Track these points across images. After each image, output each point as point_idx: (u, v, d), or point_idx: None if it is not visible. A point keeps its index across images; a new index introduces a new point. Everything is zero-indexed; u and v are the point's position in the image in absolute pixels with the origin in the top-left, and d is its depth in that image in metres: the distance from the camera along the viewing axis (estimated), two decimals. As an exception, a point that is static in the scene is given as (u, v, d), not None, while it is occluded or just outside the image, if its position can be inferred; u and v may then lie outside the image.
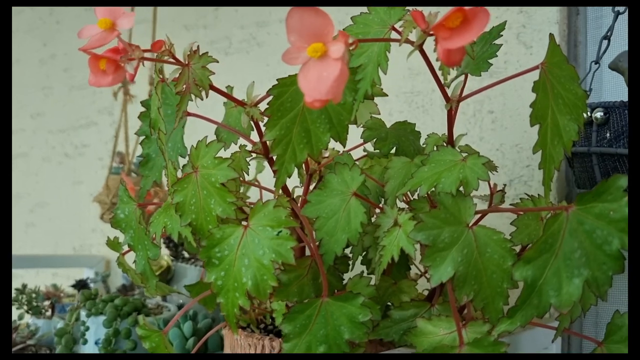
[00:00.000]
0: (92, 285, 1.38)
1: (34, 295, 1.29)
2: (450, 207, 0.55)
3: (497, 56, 0.66)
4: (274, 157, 0.57)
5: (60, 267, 1.74)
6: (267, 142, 0.60)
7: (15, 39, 2.03)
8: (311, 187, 0.71)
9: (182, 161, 0.68)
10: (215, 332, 0.91)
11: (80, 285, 1.36)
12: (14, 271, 1.80)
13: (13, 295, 1.25)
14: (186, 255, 1.12)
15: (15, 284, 1.29)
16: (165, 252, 1.14)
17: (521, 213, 0.61)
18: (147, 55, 0.55)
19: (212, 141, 0.59)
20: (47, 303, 1.31)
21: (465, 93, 0.63)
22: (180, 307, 1.07)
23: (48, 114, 1.91)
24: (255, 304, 0.77)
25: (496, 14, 1.02)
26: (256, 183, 0.87)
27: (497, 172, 0.74)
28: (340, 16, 1.21)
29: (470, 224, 0.55)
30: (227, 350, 0.73)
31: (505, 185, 0.71)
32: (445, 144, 0.63)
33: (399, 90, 1.12)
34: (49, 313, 1.29)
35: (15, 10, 2.02)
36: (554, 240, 0.50)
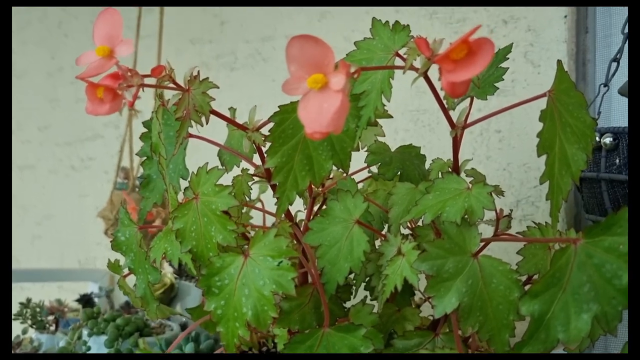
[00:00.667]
0: (96, 300, 1.37)
1: (38, 309, 1.28)
2: (455, 236, 0.54)
3: (503, 79, 0.65)
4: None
5: (65, 281, 1.73)
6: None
7: (23, 51, 2.04)
8: (315, 208, 0.70)
9: (184, 182, 0.67)
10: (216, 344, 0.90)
11: (85, 300, 1.36)
12: (20, 284, 1.80)
13: (17, 309, 1.25)
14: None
15: (21, 297, 1.28)
16: (168, 270, 1.14)
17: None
18: (147, 80, 0.55)
19: (213, 168, 0.58)
20: (51, 318, 1.31)
21: (471, 111, 0.62)
22: (183, 326, 1.06)
23: (55, 126, 1.91)
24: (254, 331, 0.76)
25: (504, 32, 1.01)
26: (259, 204, 0.86)
27: (503, 195, 0.72)
28: (347, 32, 1.20)
29: (475, 254, 0.54)
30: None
31: (511, 210, 0.69)
32: (450, 170, 0.62)
33: (405, 108, 1.11)
34: (52, 328, 1.28)
35: (24, 22, 2.03)
36: (562, 274, 0.48)
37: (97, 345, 0.95)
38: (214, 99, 0.56)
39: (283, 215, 0.65)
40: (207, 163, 0.59)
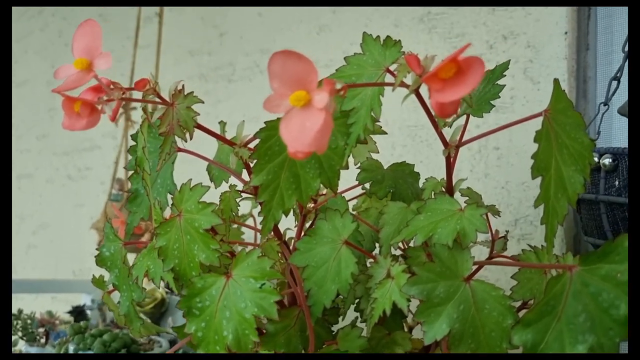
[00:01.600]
0: (88, 312, 1.35)
1: (29, 321, 1.26)
2: (446, 260, 0.52)
3: (499, 97, 0.63)
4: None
5: (58, 292, 1.71)
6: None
7: (24, 60, 2.03)
8: (307, 226, 0.68)
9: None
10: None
11: (77, 312, 1.33)
12: (13, 295, 1.78)
13: (7, 321, 1.23)
14: (181, 287, 1.09)
15: (13, 307, 1.26)
16: (161, 285, 1.11)
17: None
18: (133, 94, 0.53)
19: (197, 185, 0.56)
20: (41, 330, 1.29)
21: (469, 128, 0.60)
22: (172, 342, 1.04)
23: (53, 136, 1.90)
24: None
25: (503, 48, 0.99)
26: (251, 217, 0.84)
27: (500, 216, 0.70)
28: (345, 46, 1.18)
29: (467, 277, 0.52)
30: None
31: (507, 231, 0.67)
32: (443, 190, 0.60)
33: (403, 123, 1.09)
34: (42, 340, 1.26)
35: (26, 32, 2.03)
36: (557, 302, 0.46)
37: (84, 361, 0.93)
38: (198, 114, 0.54)
39: (271, 233, 0.63)
40: (191, 180, 0.57)
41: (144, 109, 0.56)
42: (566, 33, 0.94)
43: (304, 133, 0.39)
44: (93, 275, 0.74)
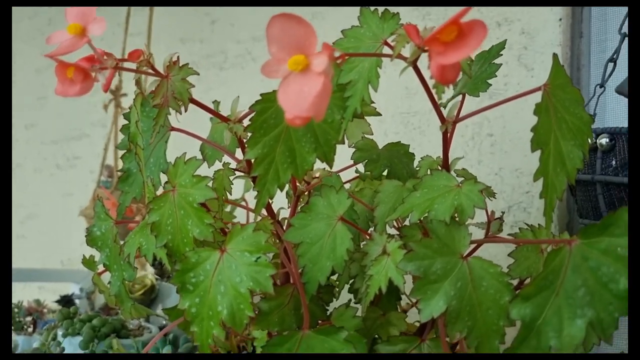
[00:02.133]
0: (77, 301, 1.33)
1: (16, 310, 1.25)
2: (444, 236, 0.51)
3: (496, 76, 0.63)
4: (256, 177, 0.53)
5: (46, 282, 1.69)
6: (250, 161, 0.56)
7: (13, 48, 2.00)
8: (299, 208, 0.68)
9: (165, 177, 0.64)
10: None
11: (65, 301, 1.32)
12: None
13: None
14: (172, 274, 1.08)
15: (-2, 297, 1.25)
16: (150, 271, 1.10)
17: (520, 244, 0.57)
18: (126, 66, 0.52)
19: (191, 158, 0.55)
20: (29, 319, 1.27)
21: (462, 115, 0.59)
22: (162, 328, 1.02)
23: (42, 125, 1.87)
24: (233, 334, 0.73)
25: (497, 35, 0.99)
26: (243, 202, 0.83)
27: (495, 198, 0.70)
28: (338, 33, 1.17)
29: (465, 255, 0.51)
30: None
31: (503, 212, 0.67)
32: (439, 168, 0.59)
33: (395, 110, 1.08)
34: (30, 329, 1.24)
35: (15, 19, 2.00)
36: (555, 277, 0.46)
37: (72, 346, 0.91)
38: (193, 86, 0.53)
39: (264, 212, 0.62)
40: (185, 153, 0.56)
41: (138, 82, 0.55)
42: (560, 20, 0.94)
43: (303, 98, 0.39)
44: (83, 255, 0.73)
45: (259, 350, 0.63)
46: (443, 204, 0.52)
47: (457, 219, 0.52)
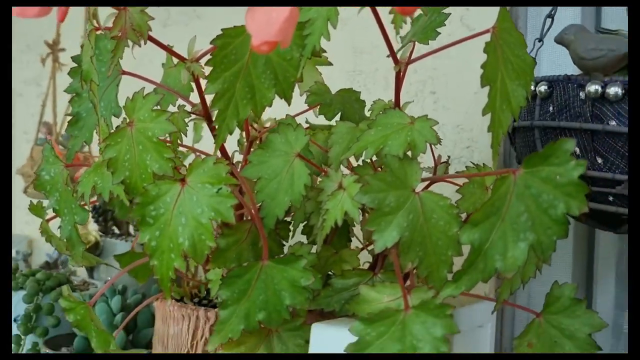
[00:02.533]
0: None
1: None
2: (397, 170, 0.54)
3: (445, 25, 0.65)
4: (215, 113, 0.54)
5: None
6: (209, 99, 0.57)
7: None
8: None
9: (116, 122, 0.64)
10: (145, 306, 0.87)
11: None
12: None
13: None
14: (116, 230, 1.07)
15: None
16: (93, 227, 1.09)
17: (466, 181, 0.61)
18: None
19: (150, 93, 0.55)
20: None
21: (410, 71, 0.62)
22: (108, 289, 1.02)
23: (-32, 85, 1.79)
24: (190, 275, 0.74)
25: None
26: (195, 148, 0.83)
27: (440, 144, 0.73)
28: None
29: (417, 189, 0.54)
30: (158, 323, 0.70)
31: (449, 157, 0.70)
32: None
33: (342, 68, 1.10)
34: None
35: None
36: (501, 204, 0.49)
37: (15, 301, 0.89)
38: (153, 18, 0.53)
39: (219, 154, 0.63)
40: (144, 88, 0.56)
41: (94, 15, 0.54)
42: (501, -18, 0.98)
43: (270, 23, 0.40)
44: (31, 201, 0.71)
45: (213, 293, 0.64)
46: (396, 140, 0.55)
47: (409, 154, 0.55)
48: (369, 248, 0.69)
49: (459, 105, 1.00)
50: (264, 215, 0.56)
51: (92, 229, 1.07)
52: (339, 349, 0.51)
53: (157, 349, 0.70)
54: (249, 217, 0.58)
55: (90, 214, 1.07)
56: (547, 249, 0.49)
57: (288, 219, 0.64)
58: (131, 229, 1.05)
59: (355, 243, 0.74)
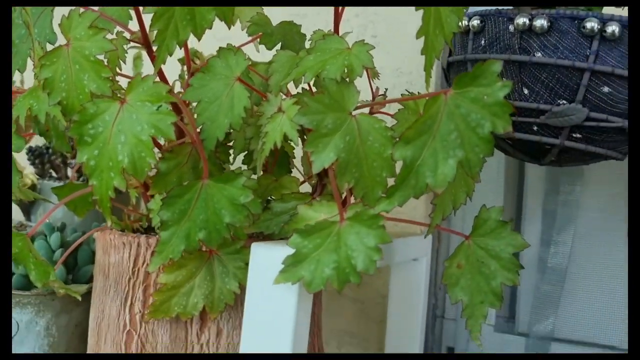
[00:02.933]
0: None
1: None
2: (334, 93, 0.55)
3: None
4: (155, 33, 0.54)
5: None
6: (148, 27, 0.57)
7: None
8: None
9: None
10: (86, 244, 0.87)
11: None
12: None
13: None
14: (54, 174, 1.05)
15: None
16: (30, 170, 1.06)
17: (402, 107, 0.63)
18: None
19: (87, 11, 0.54)
20: None
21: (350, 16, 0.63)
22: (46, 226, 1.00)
23: None
24: (131, 207, 0.74)
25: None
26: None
27: (379, 79, 0.75)
28: None
29: (354, 112, 0.56)
30: (99, 254, 0.70)
31: (386, 89, 0.72)
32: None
33: (284, 10, 1.10)
34: None
35: None
36: (433, 122, 0.51)
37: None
38: None
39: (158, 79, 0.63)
40: (79, 8, 0.55)
41: None
42: None
43: None
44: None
45: (155, 222, 0.65)
46: (334, 64, 0.56)
47: (347, 78, 0.56)
48: (311, 181, 0.71)
49: (399, 49, 1.02)
50: (204, 138, 0.57)
51: (29, 172, 1.05)
52: (278, 267, 0.53)
53: (97, 279, 0.70)
54: (190, 139, 0.59)
55: (27, 156, 1.05)
56: (475, 165, 0.52)
57: (229, 144, 0.65)
58: (69, 172, 1.04)
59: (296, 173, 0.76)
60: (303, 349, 0.58)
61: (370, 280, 1.00)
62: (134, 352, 0.64)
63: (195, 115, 0.57)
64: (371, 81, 0.71)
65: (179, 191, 0.55)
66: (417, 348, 0.89)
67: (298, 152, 0.74)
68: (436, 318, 1.02)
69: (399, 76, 1.02)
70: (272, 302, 0.55)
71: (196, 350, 0.64)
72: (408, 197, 0.52)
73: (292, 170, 0.73)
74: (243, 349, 0.57)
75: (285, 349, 0.55)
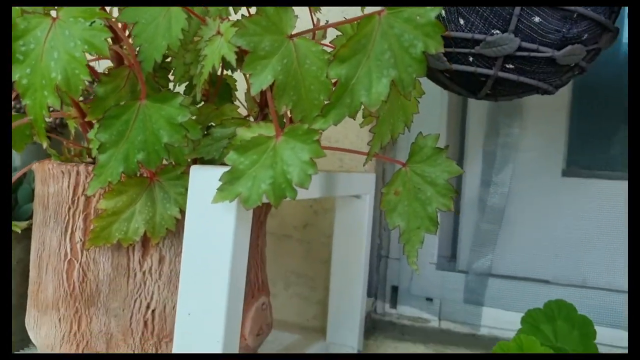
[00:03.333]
0: None
1: None
2: (272, 16, 0.56)
3: None
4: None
5: None
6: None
7: None
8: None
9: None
10: (25, 179, 0.86)
11: None
12: None
13: None
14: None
15: None
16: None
17: (340, 34, 0.64)
18: None
19: None
20: None
21: None
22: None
23: None
24: (70, 138, 0.73)
25: None
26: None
27: (320, 12, 0.76)
28: None
29: (291, 35, 0.57)
30: (38, 186, 0.69)
31: (327, 21, 0.73)
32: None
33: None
34: None
35: None
36: (367, 41, 0.53)
37: None
38: None
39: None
40: None
41: None
42: None
43: None
44: None
45: (95, 151, 0.64)
46: (272, -13, 0.56)
47: (284, 1, 0.57)
48: (254, 115, 0.71)
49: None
50: (141, 59, 0.57)
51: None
52: (215, 188, 0.54)
53: (37, 212, 0.69)
54: (127, 62, 0.59)
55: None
56: (408, 85, 0.54)
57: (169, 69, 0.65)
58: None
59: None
60: (242, 271, 0.59)
61: (316, 221, 1.01)
62: (75, 281, 0.65)
63: (132, 37, 0.57)
64: (312, 14, 0.72)
65: (116, 112, 0.54)
66: (361, 286, 0.92)
67: (241, 86, 0.75)
68: (381, 258, 1.05)
69: (343, 11, 1.03)
70: (211, 223, 0.56)
71: (138, 278, 0.65)
72: (343, 116, 0.54)
73: (235, 102, 0.73)
74: (183, 271, 0.58)
75: (224, 269, 0.56)
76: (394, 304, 1.05)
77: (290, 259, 1.04)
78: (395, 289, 1.05)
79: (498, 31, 0.64)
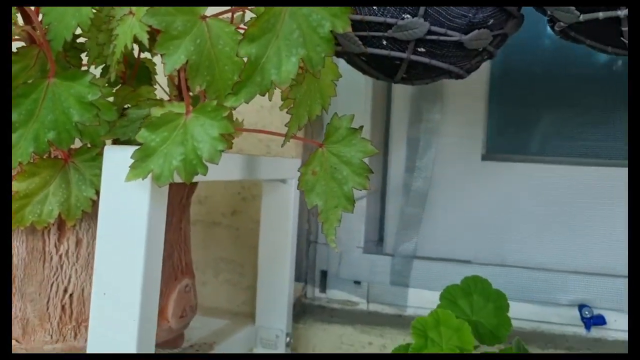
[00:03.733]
0: None
1: None
2: (184, -4, 0.56)
3: None
4: None
5: None
6: None
7: None
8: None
9: None
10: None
11: None
12: None
13: None
14: None
15: None
16: None
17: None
18: None
19: None
20: None
21: None
22: None
23: None
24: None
25: None
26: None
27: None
28: None
29: (204, 16, 0.57)
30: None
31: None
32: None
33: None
34: None
35: None
36: (276, 21, 0.54)
37: None
38: None
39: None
40: None
41: None
42: None
43: None
44: None
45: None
46: (184, -33, 0.57)
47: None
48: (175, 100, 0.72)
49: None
50: (51, 38, 0.56)
51: None
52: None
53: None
54: (36, 41, 0.58)
55: None
56: (317, 64, 0.55)
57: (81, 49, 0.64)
58: None
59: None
60: (159, 250, 0.59)
61: (244, 207, 1.02)
62: (-11, 265, 0.64)
63: (42, 16, 0.56)
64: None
65: (24, 90, 0.54)
66: (288, 270, 0.93)
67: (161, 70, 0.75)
68: (310, 243, 1.07)
69: None
70: (125, 202, 0.56)
71: (55, 261, 0.64)
72: (254, 94, 0.55)
73: (155, 86, 0.73)
74: (98, 250, 0.58)
75: (139, 247, 0.57)
76: (323, 288, 1.07)
77: (220, 246, 1.04)
78: (324, 274, 1.07)
79: (409, 15, 0.67)
